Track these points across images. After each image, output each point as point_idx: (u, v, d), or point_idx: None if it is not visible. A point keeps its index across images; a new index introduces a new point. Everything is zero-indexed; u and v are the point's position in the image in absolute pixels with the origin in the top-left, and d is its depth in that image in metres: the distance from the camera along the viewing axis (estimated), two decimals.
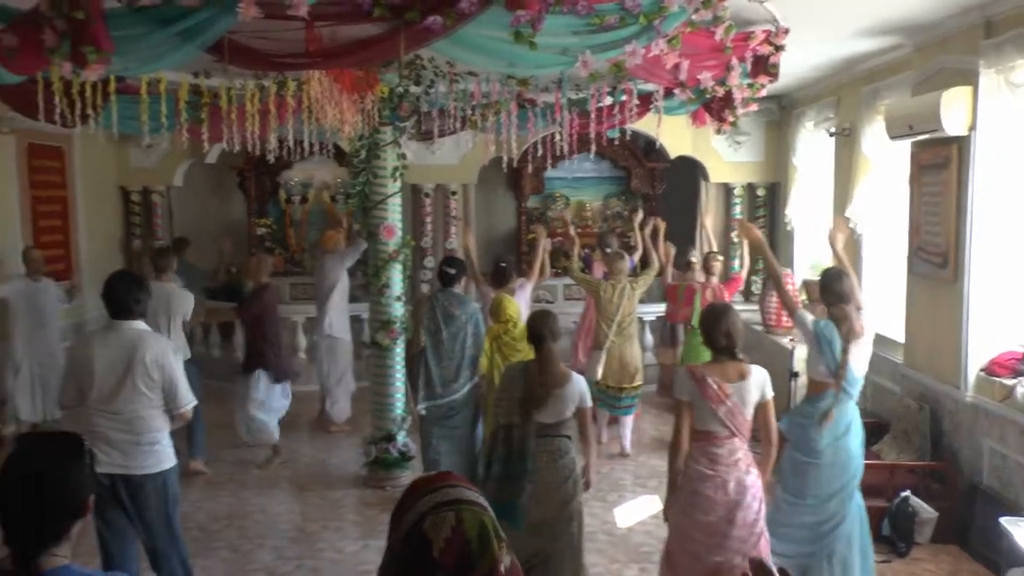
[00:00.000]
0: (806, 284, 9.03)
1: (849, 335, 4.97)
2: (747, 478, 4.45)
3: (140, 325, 4.78)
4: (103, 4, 4.24)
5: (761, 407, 4.50)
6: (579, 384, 4.96)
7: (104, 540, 4.77)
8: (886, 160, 7.62)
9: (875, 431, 7.20)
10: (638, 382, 8.22)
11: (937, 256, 6.47)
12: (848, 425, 5.03)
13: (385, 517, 6.05)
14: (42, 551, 2.24)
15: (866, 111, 7.70)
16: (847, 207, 8.02)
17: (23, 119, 7.37)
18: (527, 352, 5.58)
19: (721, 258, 9.02)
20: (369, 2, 3.99)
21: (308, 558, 6.14)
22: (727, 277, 9.39)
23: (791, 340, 8.26)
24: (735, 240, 11.12)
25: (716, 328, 4.49)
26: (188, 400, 4.80)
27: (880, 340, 7.88)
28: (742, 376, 4.45)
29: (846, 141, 8.43)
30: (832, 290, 5.12)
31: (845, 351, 4.96)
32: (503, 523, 1.86)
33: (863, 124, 7.76)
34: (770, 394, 4.51)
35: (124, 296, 4.71)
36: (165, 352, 4.74)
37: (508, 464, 4.96)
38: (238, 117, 6.02)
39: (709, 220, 9.93)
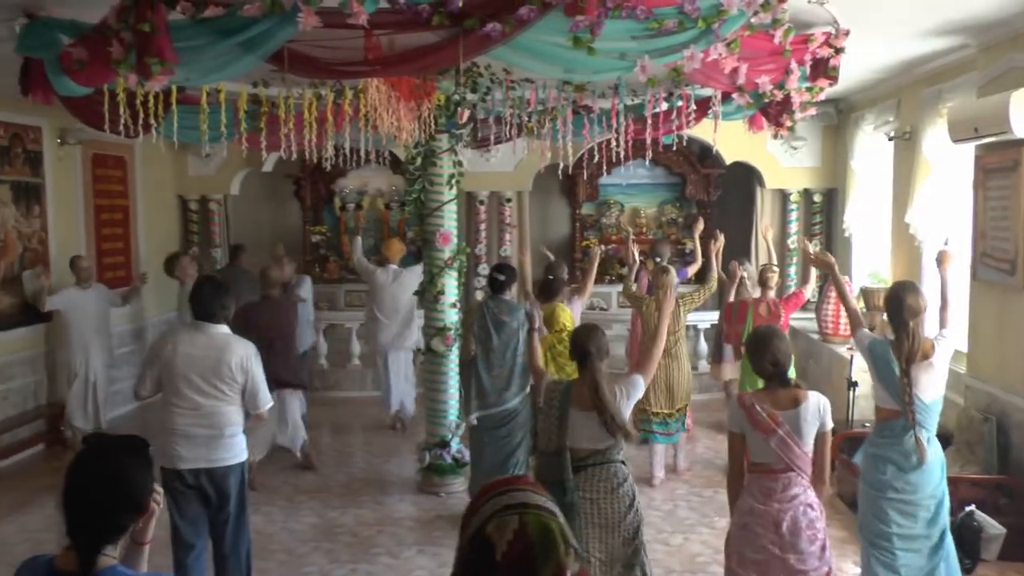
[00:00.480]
0: (864, 292, 8.88)
1: (911, 355, 4.56)
2: (804, 518, 4.08)
3: (224, 329, 5.04)
4: (167, 16, 4.33)
5: (818, 438, 4.14)
6: (628, 401, 4.49)
7: (181, 538, 5.05)
8: (948, 164, 7.45)
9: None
10: (685, 403, 7.62)
11: (1004, 262, 6.32)
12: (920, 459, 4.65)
13: (439, 523, 6.12)
14: (101, 549, 2.30)
15: (928, 113, 7.56)
16: (906, 213, 7.87)
17: (88, 130, 7.54)
18: None
19: (777, 270, 8.35)
20: (428, 10, 4.02)
21: (362, 563, 6.17)
22: (781, 292, 8.98)
23: (849, 349, 8.08)
24: (792, 248, 11.00)
25: (762, 355, 4.19)
26: (267, 402, 5.11)
27: None
28: (795, 403, 4.11)
29: (906, 145, 8.28)
30: (903, 304, 4.65)
31: (906, 373, 4.56)
32: None
33: (924, 127, 7.62)
34: (830, 424, 4.16)
35: (211, 300, 4.99)
36: (250, 356, 5.01)
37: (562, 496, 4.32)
38: (296, 125, 6.10)
39: (770, 232, 9.72)
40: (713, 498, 7.29)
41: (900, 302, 4.68)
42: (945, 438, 6.97)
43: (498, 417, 6.52)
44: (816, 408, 4.12)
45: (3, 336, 8.53)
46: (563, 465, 4.33)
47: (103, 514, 2.30)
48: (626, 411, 4.40)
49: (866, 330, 4.99)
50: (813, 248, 5.22)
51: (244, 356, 4.98)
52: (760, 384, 4.38)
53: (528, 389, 6.58)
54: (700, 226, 8.89)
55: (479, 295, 10.83)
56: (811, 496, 4.14)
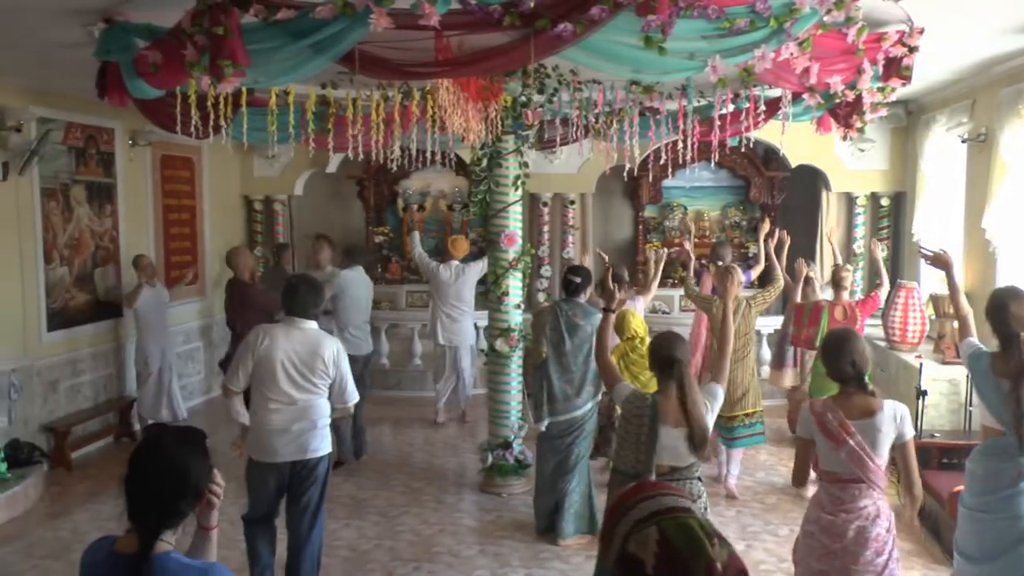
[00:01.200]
0: (933, 299, 8.66)
1: (1021, 369, 4.12)
2: (872, 530, 3.92)
3: (315, 325, 5.29)
4: (241, 19, 4.40)
5: (899, 448, 3.98)
6: (712, 414, 4.35)
7: (257, 524, 5.36)
8: None
9: None
10: (752, 408, 7.31)
11: None
12: (1014, 480, 4.22)
13: (501, 523, 6.17)
14: (160, 534, 2.40)
15: (1006, 114, 7.34)
16: (982, 217, 7.68)
17: (159, 132, 7.75)
18: None
19: (851, 269, 8.29)
20: (500, 11, 4.04)
21: (425, 561, 6.21)
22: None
23: (918, 356, 7.91)
24: (858, 252, 10.82)
25: (841, 357, 4.02)
26: (354, 396, 5.37)
27: None
28: (870, 412, 3.95)
29: (981, 147, 8.08)
30: (1008, 312, 4.27)
31: (1016, 391, 4.12)
32: None
33: (1001, 128, 7.41)
34: (910, 433, 3.99)
35: (306, 298, 5.24)
36: (340, 351, 5.28)
37: None
38: (363, 126, 6.16)
39: (835, 234, 9.57)
40: (777, 505, 7.21)
41: (1005, 310, 4.29)
42: None
43: (564, 424, 6.42)
44: (892, 418, 3.96)
45: (76, 331, 8.77)
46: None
47: (161, 500, 2.42)
48: (710, 424, 4.26)
49: (973, 339, 4.55)
50: (927, 250, 4.90)
51: (335, 351, 5.22)
52: (833, 390, 4.21)
53: (598, 398, 6.50)
54: (765, 227, 8.56)
55: (541, 297, 10.84)
56: (883, 508, 3.99)
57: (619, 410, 4.66)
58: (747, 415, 7.29)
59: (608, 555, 1.82)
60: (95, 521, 6.85)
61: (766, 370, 10.26)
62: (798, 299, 8.05)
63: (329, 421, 5.35)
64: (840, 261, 8.59)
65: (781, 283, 7.49)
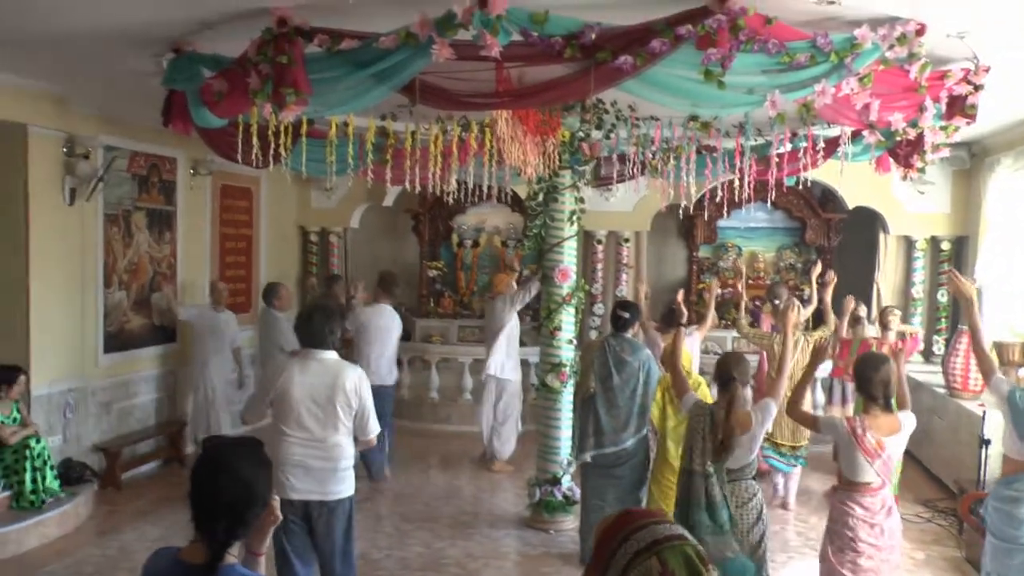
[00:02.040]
0: (998, 346, 8.47)
1: None
2: (891, 522, 4.67)
3: (334, 355, 5.01)
4: (305, 49, 4.50)
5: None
6: (762, 425, 4.94)
7: (289, 566, 5.01)
8: None
9: None
10: (806, 441, 7.90)
11: None
12: None
13: (548, 559, 6.16)
14: (231, 544, 2.42)
15: None
16: None
17: (219, 162, 7.93)
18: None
19: (899, 313, 8.58)
20: (561, 43, 4.07)
21: None
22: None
23: (980, 405, 7.73)
24: (916, 297, 10.66)
25: (875, 375, 4.62)
26: (376, 428, 5.06)
27: None
28: (896, 430, 4.61)
29: None
30: None
31: None
32: None
33: None
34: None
35: (322, 327, 4.96)
36: (362, 381, 4.98)
37: (712, 514, 4.90)
38: (421, 159, 6.24)
39: (887, 278, 9.58)
40: (818, 525, 7.15)
41: None
42: None
43: (612, 457, 6.45)
44: (910, 432, 4.69)
45: (132, 354, 8.93)
46: (715, 482, 4.89)
47: (230, 509, 2.44)
48: (761, 432, 4.94)
49: (1001, 375, 4.90)
50: (959, 278, 5.11)
51: (357, 380, 4.95)
52: None
53: (644, 431, 6.53)
54: (818, 269, 8.81)
55: (594, 335, 10.81)
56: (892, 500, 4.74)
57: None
58: (800, 447, 7.91)
59: None
60: (143, 541, 6.92)
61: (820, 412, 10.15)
62: (843, 334, 8.24)
63: (352, 463, 5.06)
64: (885, 303, 9.05)
65: (832, 325, 7.88)
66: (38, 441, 7.09)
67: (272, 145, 5.38)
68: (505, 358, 9.18)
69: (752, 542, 4.90)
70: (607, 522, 1.90)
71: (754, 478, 5.00)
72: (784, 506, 8.10)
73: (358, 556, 5.36)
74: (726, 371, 4.99)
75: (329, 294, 10.78)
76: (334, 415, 4.88)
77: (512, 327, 9.16)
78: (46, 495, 7.06)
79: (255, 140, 5.19)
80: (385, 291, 8.96)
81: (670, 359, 5.59)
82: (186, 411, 9.40)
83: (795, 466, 8.01)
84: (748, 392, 5.06)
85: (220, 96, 4.84)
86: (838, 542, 4.69)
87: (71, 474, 7.64)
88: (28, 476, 6.97)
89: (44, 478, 7.08)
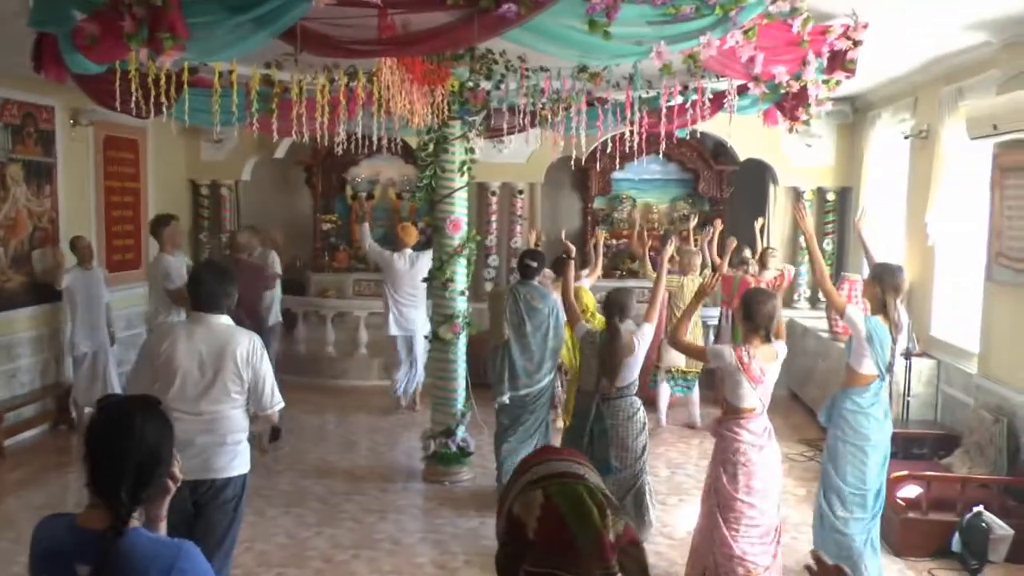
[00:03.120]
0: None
1: (897, 328, 5.20)
2: (775, 446, 5.02)
3: (227, 320, 4.48)
4: None
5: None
6: (642, 347, 5.56)
7: None
8: (965, 163, 7.38)
9: (945, 443, 7.01)
10: (697, 367, 8.73)
11: (1021, 262, 6.25)
12: (887, 412, 5.34)
13: (443, 511, 6.17)
14: (135, 505, 2.32)
15: (946, 112, 7.47)
16: (925, 212, 7.79)
17: (101, 111, 7.56)
18: None
19: (778, 253, 9.54)
20: None
21: (365, 548, 6.14)
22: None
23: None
24: (803, 247, 10.94)
25: (761, 308, 4.88)
26: (277, 402, 4.49)
27: (950, 349, 7.70)
28: (775, 357, 4.91)
29: (923, 144, 8.22)
30: (892, 283, 5.26)
31: (895, 342, 5.19)
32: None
33: (942, 126, 7.54)
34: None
35: (215, 288, 4.44)
36: (256, 348, 4.42)
37: (600, 424, 5.51)
38: (308, 109, 6.06)
39: (775, 228, 10.03)
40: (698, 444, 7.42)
41: (886, 279, 5.30)
42: (953, 439, 6.96)
43: (528, 397, 6.79)
44: (783, 359, 4.97)
45: (12, 314, 8.54)
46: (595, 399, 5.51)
47: (135, 471, 2.32)
48: (642, 354, 5.60)
49: (854, 307, 5.42)
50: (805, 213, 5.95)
51: (250, 348, 4.39)
52: None
53: (554, 372, 6.96)
54: (718, 228, 9.48)
55: (488, 286, 10.82)
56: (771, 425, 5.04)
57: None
58: (697, 371, 8.86)
59: (499, 519, 1.77)
60: (28, 509, 6.64)
61: None
62: (725, 271, 9.03)
63: (245, 436, 4.49)
64: (765, 246, 9.84)
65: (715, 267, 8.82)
66: None
67: (153, 93, 5.15)
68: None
69: (636, 450, 5.54)
70: (526, 457, 1.87)
71: (637, 396, 5.66)
72: (691, 426, 9.05)
73: (250, 515, 5.23)
74: (611, 304, 5.61)
75: (234, 246, 10.50)
76: (222, 387, 4.33)
77: None
78: None
79: (135, 88, 4.95)
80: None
81: (563, 292, 6.14)
82: (70, 374, 9.04)
83: (690, 389, 9.02)
84: (630, 323, 5.65)
85: (93, 40, 4.57)
86: (731, 469, 4.89)
87: None
88: None
89: None
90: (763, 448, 4.89)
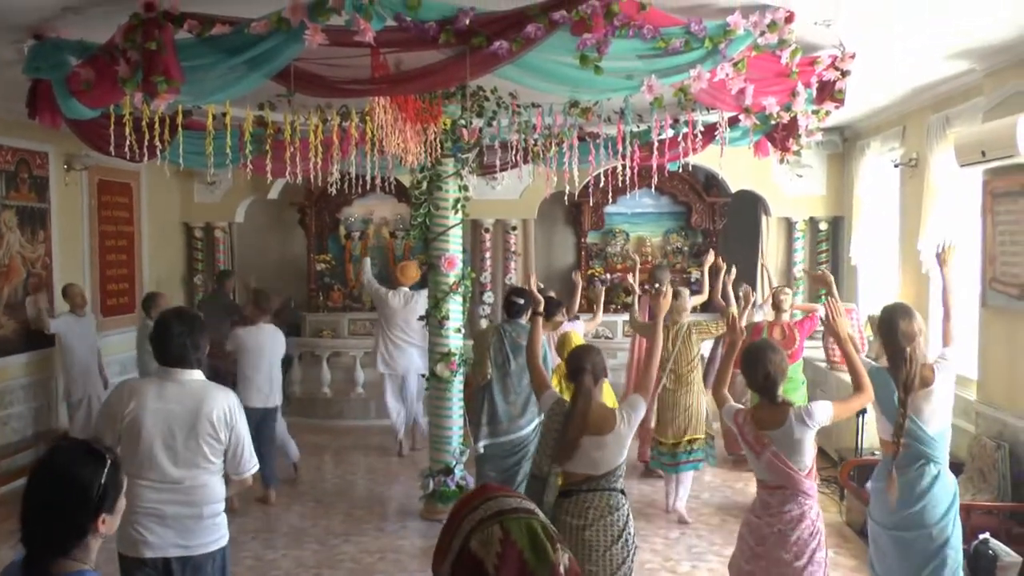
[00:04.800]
0: (872, 319, 8.81)
1: (909, 383, 4.33)
2: (792, 534, 4.08)
3: (198, 375, 4.06)
4: (175, 35, 4.35)
5: (835, 406, 4.22)
6: (629, 425, 4.22)
7: None
8: (955, 190, 7.43)
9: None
10: (699, 435, 7.29)
11: (1015, 287, 6.28)
12: (922, 493, 4.43)
13: None
14: (54, 553, 2.28)
15: (934, 140, 7.54)
16: (917, 240, 7.83)
17: (95, 156, 7.60)
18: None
19: (790, 292, 8.36)
20: (435, 28, 4.03)
21: None
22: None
23: None
24: (798, 277, 10.97)
25: (755, 367, 4.19)
26: (252, 465, 4.15)
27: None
28: (780, 423, 4.09)
29: (912, 172, 8.28)
30: (896, 329, 4.42)
31: (903, 403, 4.34)
32: None
33: (931, 153, 7.60)
34: (824, 415, 4.11)
35: (182, 340, 3.98)
36: (233, 408, 4.05)
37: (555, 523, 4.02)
38: (301, 150, 6.11)
39: (769, 259, 9.92)
40: (721, 526, 7.23)
41: (894, 327, 4.44)
42: (956, 466, 6.91)
43: (508, 446, 6.53)
44: (800, 420, 4.09)
45: (6, 361, 8.49)
46: (547, 489, 4.21)
47: (49, 516, 2.30)
48: (629, 433, 4.21)
49: (864, 356, 4.89)
50: (811, 272, 5.24)
51: (227, 408, 4.01)
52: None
53: (539, 420, 6.38)
54: (710, 259, 8.55)
55: (484, 323, 10.82)
56: (808, 514, 4.12)
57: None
58: (690, 441, 7.26)
59: (445, 559, 1.78)
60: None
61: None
62: (743, 323, 7.98)
63: (222, 506, 4.11)
64: (775, 284, 8.84)
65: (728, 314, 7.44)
66: None
67: (147, 137, 5.19)
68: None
69: (610, 565, 4.09)
70: (463, 495, 1.90)
71: (621, 491, 4.23)
72: (680, 520, 7.30)
73: (248, 558, 5.21)
74: (575, 364, 4.29)
75: (222, 291, 10.51)
76: (197, 450, 3.93)
77: None
78: None
79: (129, 131, 4.99)
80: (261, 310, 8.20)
81: (529, 352, 4.85)
82: (66, 424, 8.92)
83: (686, 465, 7.30)
84: (604, 386, 4.51)
85: (88, 85, 4.63)
86: (737, 541, 4.40)
87: None
88: None
89: None
90: (763, 527, 4.17)
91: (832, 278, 5.34)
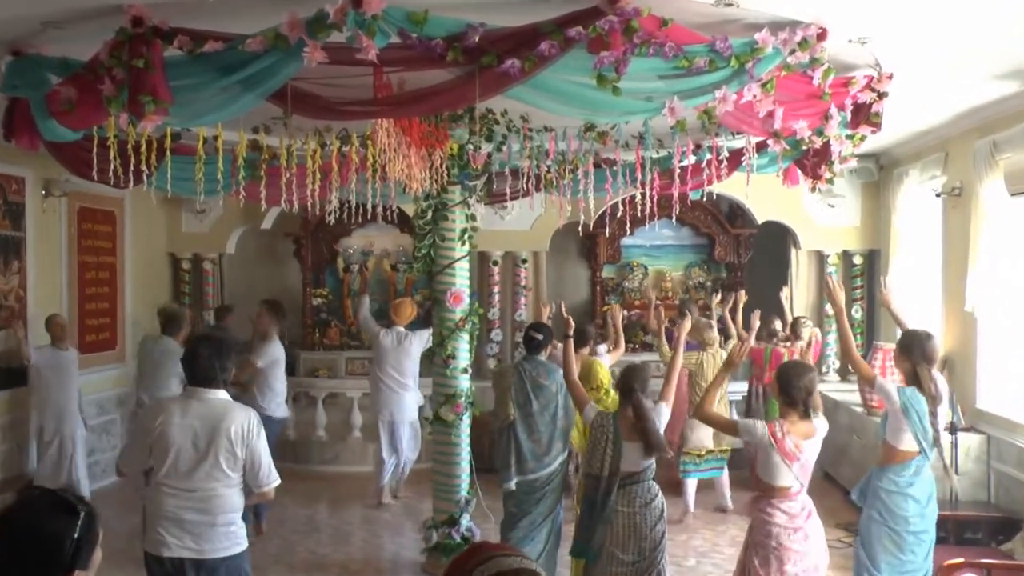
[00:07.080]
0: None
1: (935, 400, 5.26)
2: (815, 527, 5.02)
3: (223, 395, 4.65)
4: (164, 52, 4.36)
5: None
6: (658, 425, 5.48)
7: None
8: (1006, 221, 7.36)
9: (1003, 527, 6.87)
10: (726, 446, 8.64)
11: None
12: (931, 494, 5.36)
13: None
14: None
15: (982, 167, 7.48)
16: (962, 275, 7.76)
17: (76, 182, 7.62)
18: None
19: (810, 323, 9.33)
20: (443, 45, 4.04)
21: None
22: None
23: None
24: (829, 315, 10.92)
25: (799, 381, 4.94)
26: (272, 479, 4.66)
27: (1000, 422, 7.61)
28: (811, 435, 4.92)
29: (956, 201, 8.26)
30: (922, 352, 5.38)
31: (934, 415, 5.25)
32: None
33: (979, 182, 7.54)
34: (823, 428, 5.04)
35: (210, 362, 4.61)
36: (252, 425, 4.58)
37: (610, 510, 5.45)
38: (298, 176, 6.11)
39: (799, 296, 10.40)
40: (725, 531, 8.27)
41: (916, 347, 5.42)
42: (1013, 522, 6.84)
43: (537, 483, 6.66)
44: (823, 435, 4.98)
45: None
46: (611, 486, 5.43)
47: (24, 572, 2.30)
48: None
49: (884, 379, 5.61)
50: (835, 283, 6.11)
51: (245, 425, 4.54)
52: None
53: (565, 453, 6.80)
54: (717, 298, 9.63)
55: (492, 363, 10.78)
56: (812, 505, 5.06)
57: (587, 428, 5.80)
58: (721, 451, 8.70)
59: None
60: None
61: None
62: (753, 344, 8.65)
63: (239, 516, 4.65)
64: (794, 315, 9.75)
65: (736, 339, 8.51)
66: None
67: (133, 161, 5.19)
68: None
69: (655, 539, 5.43)
70: (458, 555, 1.91)
71: (653, 479, 5.56)
72: (722, 510, 8.96)
73: None
74: (627, 383, 5.57)
75: (221, 326, 10.49)
76: (214, 463, 4.48)
77: None
78: None
79: (113, 155, 4.99)
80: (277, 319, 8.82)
81: (565, 372, 6.07)
82: (32, 466, 8.87)
83: (714, 471, 8.80)
84: (648, 402, 5.56)
85: (70, 105, 4.63)
86: (763, 553, 4.90)
87: None
88: None
89: None
90: (798, 531, 4.87)
91: (841, 300, 5.95)
